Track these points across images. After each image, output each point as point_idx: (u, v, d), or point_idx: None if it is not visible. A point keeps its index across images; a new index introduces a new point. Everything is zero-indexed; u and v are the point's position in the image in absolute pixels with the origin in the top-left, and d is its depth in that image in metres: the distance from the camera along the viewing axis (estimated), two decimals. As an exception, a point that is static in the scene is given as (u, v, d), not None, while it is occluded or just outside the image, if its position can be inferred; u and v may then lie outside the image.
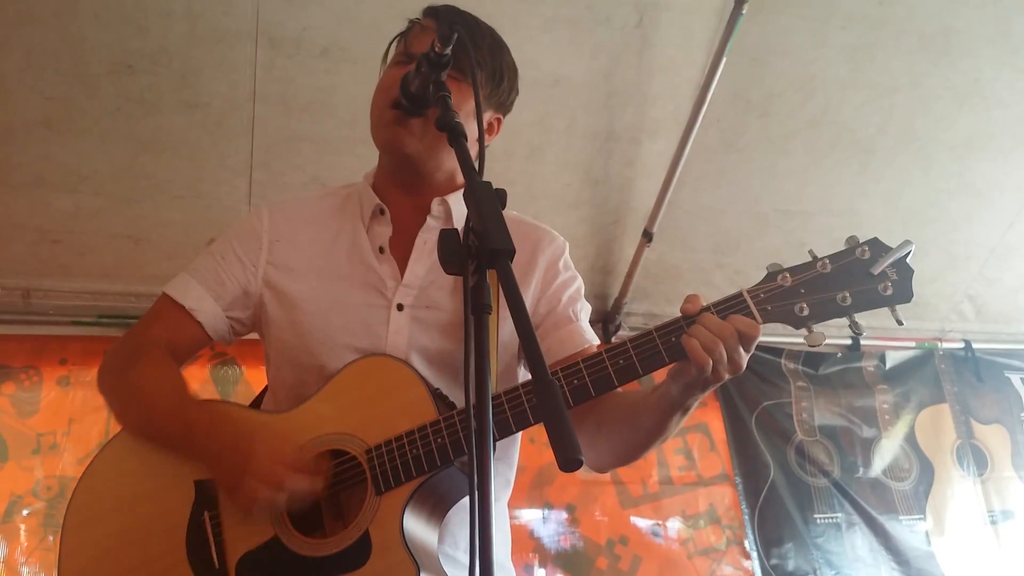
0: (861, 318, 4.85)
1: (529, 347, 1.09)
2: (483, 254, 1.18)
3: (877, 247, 1.47)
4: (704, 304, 1.48)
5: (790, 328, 4.92)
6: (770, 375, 4.85)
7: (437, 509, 1.57)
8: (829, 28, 3.57)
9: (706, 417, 4.73)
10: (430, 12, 1.81)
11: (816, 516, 4.65)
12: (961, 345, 5.14)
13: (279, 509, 1.53)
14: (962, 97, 3.89)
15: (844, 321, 4.95)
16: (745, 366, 1.46)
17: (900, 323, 1.46)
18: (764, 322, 1.47)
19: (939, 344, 5.12)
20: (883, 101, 3.86)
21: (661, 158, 3.88)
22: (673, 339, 1.46)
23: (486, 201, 1.25)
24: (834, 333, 4.82)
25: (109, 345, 3.91)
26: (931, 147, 4.07)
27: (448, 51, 1.49)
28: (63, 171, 3.51)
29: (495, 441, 1.52)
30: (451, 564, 1.58)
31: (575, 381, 1.50)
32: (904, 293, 1.46)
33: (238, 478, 1.51)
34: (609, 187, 4.06)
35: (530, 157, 3.81)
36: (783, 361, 4.88)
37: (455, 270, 1.24)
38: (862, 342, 4.98)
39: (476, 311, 1.17)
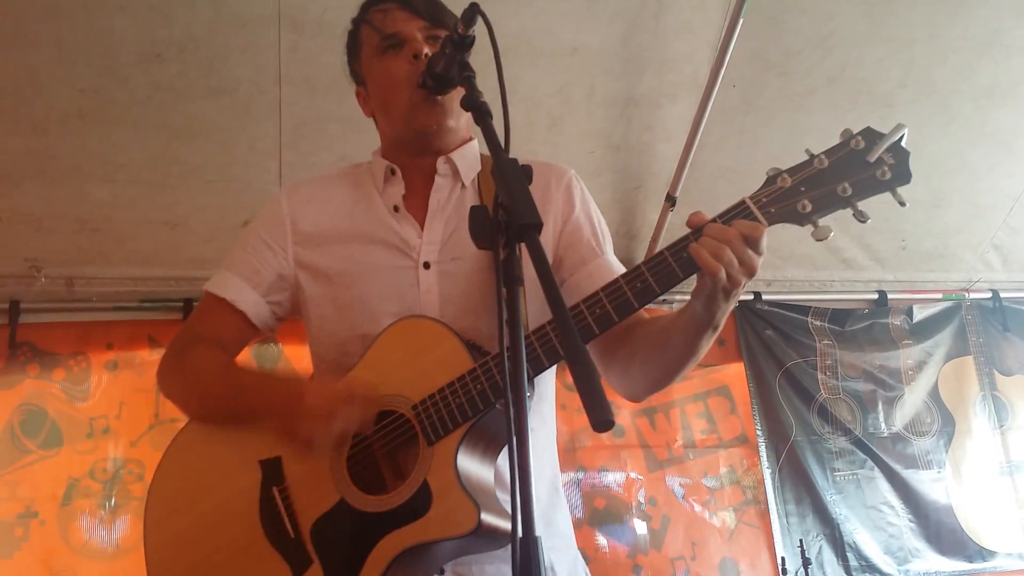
0: (889, 271, 4.80)
1: (560, 319, 1.15)
2: (512, 229, 1.24)
3: (871, 135, 1.48)
4: (709, 218, 1.50)
5: (817, 285, 4.92)
6: (796, 333, 4.88)
7: (489, 450, 1.65)
8: (846, -17, 3.57)
9: (728, 380, 4.79)
10: None
11: (836, 473, 4.70)
12: (988, 295, 5.14)
13: (339, 440, 1.62)
14: (981, 47, 3.87)
15: (871, 278, 4.91)
16: (758, 267, 1.47)
17: (902, 204, 1.46)
18: (769, 224, 1.48)
19: (967, 295, 5.12)
20: (902, 55, 3.85)
21: (681, 122, 3.91)
22: (684, 255, 1.49)
23: (513, 177, 1.30)
24: (861, 288, 4.82)
25: (153, 329, 4.07)
26: (951, 99, 4.05)
27: (472, 31, 1.55)
28: (99, 161, 3.60)
29: (532, 379, 1.59)
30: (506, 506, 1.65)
31: (597, 310, 1.54)
32: (902, 174, 1.46)
33: (294, 421, 1.60)
34: (631, 153, 4.09)
35: (552, 127, 3.85)
36: (809, 319, 4.90)
37: (486, 245, 1.30)
38: (889, 296, 4.99)
39: (508, 283, 1.23)
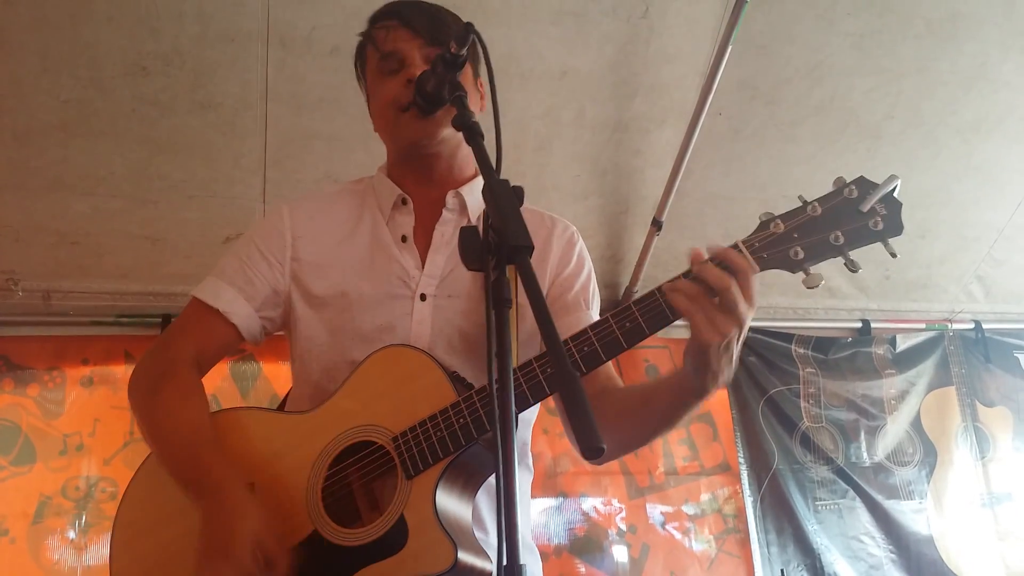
0: (873, 300, 4.83)
1: (550, 341, 1.13)
2: (503, 250, 1.22)
3: (864, 185, 1.49)
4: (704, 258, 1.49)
5: (801, 312, 4.92)
6: (780, 361, 4.86)
7: (468, 487, 1.62)
8: (835, 14, 3.58)
9: (711, 407, 4.74)
10: (385, 15, 1.84)
11: (818, 502, 4.67)
12: (971, 326, 5.15)
13: None
14: (969, 81, 3.90)
15: (855, 307, 4.91)
16: (745, 319, 1.45)
17: (893, 255, 1.48)
18: (761, 269, 1.48)
19: (949, 325, 5.13)
20: (890, 86, 3.87)
21: (669, 147, 3.90)
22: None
23: (505, 198, 1.28)
24: (844, 317, 4.84)
25: (129, 344, 4.02)
26: (939, 131, 4.08)
27: (464, 51, 1.53)
28: (80, 174, 3.56)
29: (518, 412, 1.55)
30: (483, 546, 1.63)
31: (585, 348, 1.52)
32: (894, 226, 1.47)
33: (215, 555, 1.52)
34: (618, 177, 4.09)
35: (539, 149, 3.84)
36: (793, 347, 4.89)
37: (476, 266, 1.28)
38: (873, 325, 4.99)
39: (497, 305, 1.20)
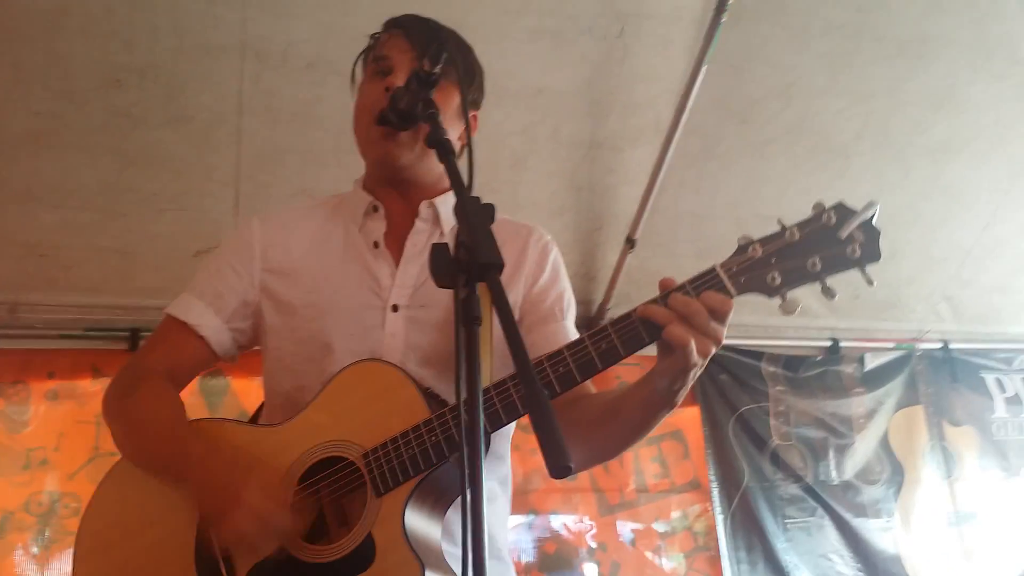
0: (842, 319, 4.86)
1: (519, 360, 1.13)
2: (473, 267, 1.22)
3: (843, 212, 1.47)
4: (679, 283, 1.49)
5: (771, 330, 4.94)
6: (749, 379, 4.88)
7: (438, 506, 1.60)
8: (808, 36, 3.62)
9: (682, 424, 4.75)
10: (393, 23, 1.85)
11: (787, 520, 4.68)
12: (939, 345, 5.19)
13: (264, 543, 1.56)
14: (938, 102, 3.96)
15: (824, 325, 4.94)
16: (723, 337, 1.46)
17: (870, 283, 1.46)
18: (738, 294, 1.47)
19: (917, 345, 5.18)
20: (861, 107, 3.92)
21: (643, 165, 3.92)
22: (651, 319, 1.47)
23: (475, 215, 1.29)
24: (814, 335, 4.86)
25: (97, 359, 3.97)
26: (908, 152, 4.13)
27: (438, 69, 1.54)
28: (50, 186, 3.52)
29: (491, 432, 1.55)
30: (453, 562, 1.61)
31: (560, 368, 1.50)
32: (872, 253, 1.46)
33: (226, 514, 1.54)
34: (592, 194, 4.11)
35: (514, 166, 3.86)
36: (763, 364, 4.91)
37: (446, 283, 1.27)
38: (842, 344, 5.02)
39: (467, 323, 1.20)
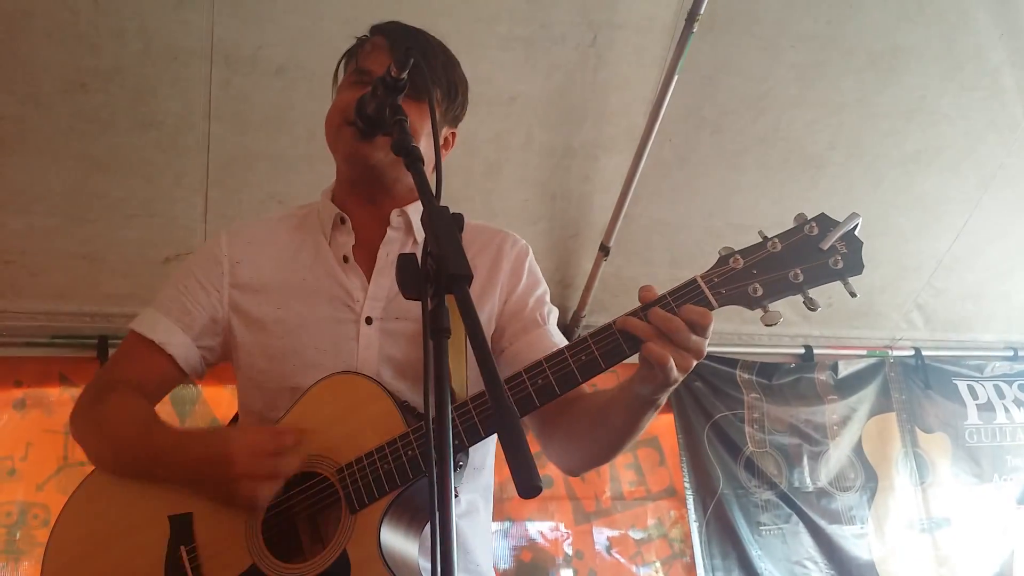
0: (815, 326, 4.88)
1: (487, 373, 1.11)
2: (441, 279, 1.20)
3: (825, 223, 1.47)
4: (659, 294, 1.47)
5: (745, 338, 4.94)
6: (724, 386, 4.88)
7: (414, 522, 1.57)
8: (779, 47, 3.65)
9: (657, 431, 4.75)
10: (378, 30, 1.82)
11: (761, 527, 4.69)
12: (911, 352, 5.23)
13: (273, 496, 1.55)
14: (909, 113, 3.99)
15: (798, 333, 4.94)
16: (705, 349, 1.45)
17: (853, 295, 1.46)
18: (720, 306, 1.46)
19: (890, 352, 5.21)
20: (832, 118, 3.94)
21: (617, 173, 3.92)
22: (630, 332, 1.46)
23: (443, 226, 1.26)
24: (787, 343, 4.88)
25: (64, 366, 3.90)
26: (879, 162, 4.16)
27: (405, 75, 1.51)
28: (15, 191, 3.47)
29: (468, 446, 1.53)
30: None
31: (539, 381, 1.49)
32: (854, 265, 1.46)
33: (228, 485, 1.51)
34: (567, 202, 4.10)
35: (488, 173, 3.84)
36: (738, 372, 4.92)
37: (414, 295, 1.25)
38: (815, 351, 5.04)
39: (435, 335, 1.18)
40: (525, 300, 1.81)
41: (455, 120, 1.91)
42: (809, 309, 1.47)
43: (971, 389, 5.34)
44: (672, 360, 1.40)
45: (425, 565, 1.58)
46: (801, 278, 1.45)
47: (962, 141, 4.17)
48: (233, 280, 1.81)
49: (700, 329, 1.43)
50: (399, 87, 1.53)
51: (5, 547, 3.75)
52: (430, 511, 1.07)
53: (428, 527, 1.57)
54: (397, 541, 1.53)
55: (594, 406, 1.65)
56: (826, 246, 1.46)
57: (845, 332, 5.07)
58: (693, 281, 1.48)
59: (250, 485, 1.50)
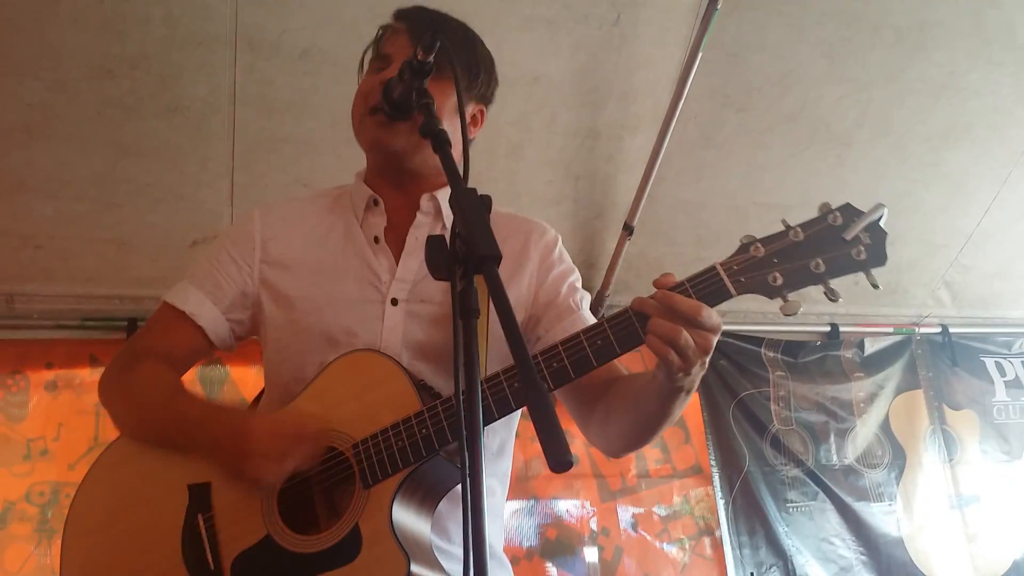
0: (841, 304, 4.87)
1: (517, 352, 1.12)
2: (470, 260, 1.20)
3: (849, 212, 1.44)
4: (677, 280, 1.45)
5: (771, 316, 4.93)
6: (750, 364, 4.88)
7: (427, 499, 1.59)
8: (805, 23, 3.60)
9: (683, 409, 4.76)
10: (401, 15, 1.83)
11: (788, 504, 4.69)
12: (938, 330, 5.19)
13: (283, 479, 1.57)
14: (937, 89, 3.94)
15: (824, 311, 4.92)
16: (713, 344, 1.42)
17: (876, 287, 1.43)
18: (738, 294, 1.44)
19: (917, 329, 5.18)
20: (860, 95, 3.90)
21: (641, 153, 3.90)
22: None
23: (471, 207, 1.27)
24: (813, 320, 4.87)
25: (95, 348, 3.97)
26: (907, 139, 4.11)
27: (431, 59, 1.52)
28: (44, 176, 3.50)
29: (498, 417, 1.53)
30: (444, 557, 1.60)
31: (555, 364, 1.49)
32: (878, 257, 1.43)
33: (241, 460, 1.54)
34: (590, 183, 4.09)
35: (511, 155, 3.83)
36: (763, 350, 4.91)
37: (443, 276, 1.26)
38: (841, 329, 5.02)
39: (464, 315, 1.19)
40: (558, 288, 1.82)
41: (482, 98, 1.92)
42: (830, 300, 1.45)
43: (999, 366, 5.31)
44: (672, 354, 1.38)
45: (437, 542, 1.61)
46: (823, 268, 1.43)
47: (990, 117, 4.11)
48: (264, 256, 1.84)
49: (699, 323, 1.40)
50: (425, 70, 1.54)
51: (38, 526, 3.81)
52: (462, 491, 1.08)
53: (441, 504, 1.61)
54: (409, 517, 1.55)
55: (630, 391, 1.65)
56: (849, 236, 1.43)
57: (872, 310, 5.03)
58: (712, 268, 1.46)
59: (259, 463, 1.53)
